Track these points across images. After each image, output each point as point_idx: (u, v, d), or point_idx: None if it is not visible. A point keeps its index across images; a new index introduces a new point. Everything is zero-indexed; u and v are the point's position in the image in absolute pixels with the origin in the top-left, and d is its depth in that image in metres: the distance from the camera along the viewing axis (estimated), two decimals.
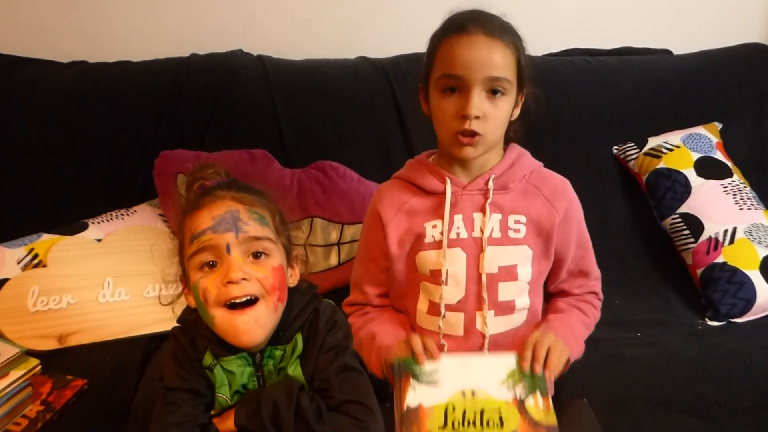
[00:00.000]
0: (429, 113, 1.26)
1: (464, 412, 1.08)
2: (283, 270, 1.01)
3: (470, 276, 1.24)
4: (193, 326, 1.02)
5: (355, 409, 0.98)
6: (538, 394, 1.11)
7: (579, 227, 1.32)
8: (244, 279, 0.95)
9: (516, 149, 1.32)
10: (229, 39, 2.10)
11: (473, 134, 1.16)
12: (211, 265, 0.97)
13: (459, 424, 1.07)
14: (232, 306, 0.95)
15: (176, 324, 1.07)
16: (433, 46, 1.23)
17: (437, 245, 1.25)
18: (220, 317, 0.95)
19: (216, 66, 1.99)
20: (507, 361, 1.15)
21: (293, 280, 1.06)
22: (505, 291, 1.25)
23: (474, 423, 1.07)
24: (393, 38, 2.14)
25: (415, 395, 1.10)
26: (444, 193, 1.25)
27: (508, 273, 1.24)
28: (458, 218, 1.25)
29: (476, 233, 1.24)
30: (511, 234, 1.24)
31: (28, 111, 1.89)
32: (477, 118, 1.15)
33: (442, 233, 1.24)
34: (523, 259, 1.25)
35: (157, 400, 1.02)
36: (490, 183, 1.25)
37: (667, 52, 2.28)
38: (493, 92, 1.16)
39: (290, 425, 0.95)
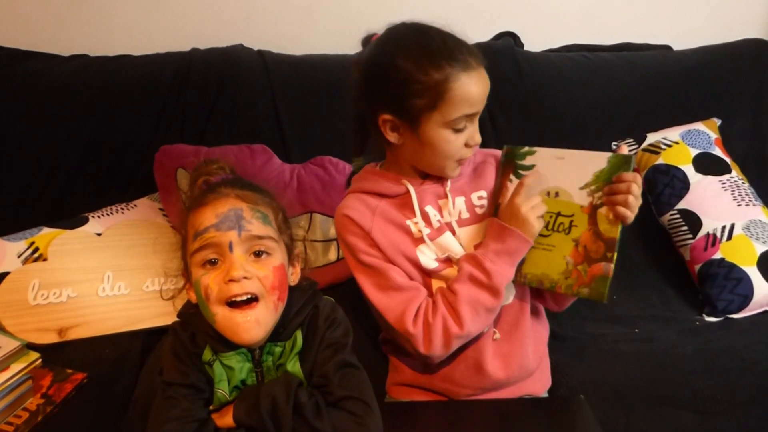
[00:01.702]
0: (397, 142, 1.21)
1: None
2: (284, 269, 1.01)
3: None
4: (193, 321, 1.02)
5: (353, 404, 0.98)
6: None
7: None
8: (245, 277, 0.95)
9: None
10: (229, 33, 2.09)
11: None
12: (213, 262, 0.97)
13: None
14: (233, 304, 0.95)
15: (176, 318, 1.07)
16: (436, 85, 1.13)
17: (429, 237, 1.25)
18: (222, 315, 0.95)
19: (216, 60, 1.99)
20: (599, 160, 1.18)
21: (294, 278, 1.06)
22: None
23: (546, 225, 1.20)
24: None
25: (510, 188, 1.23)
26: (406, 192, 1.26)
27: None
28: (429, 208, 1.26)
29: (446, 218, 1.26)
30: (478, 211, 1.27)
31: (28, 104, 1.89)
32: None
33: (424, 225, 1.25)
34: None
35: (156, 394, 1.02)
36: None
37: (667, 47, 2.28)
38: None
39: (288, 421, 0.96)
